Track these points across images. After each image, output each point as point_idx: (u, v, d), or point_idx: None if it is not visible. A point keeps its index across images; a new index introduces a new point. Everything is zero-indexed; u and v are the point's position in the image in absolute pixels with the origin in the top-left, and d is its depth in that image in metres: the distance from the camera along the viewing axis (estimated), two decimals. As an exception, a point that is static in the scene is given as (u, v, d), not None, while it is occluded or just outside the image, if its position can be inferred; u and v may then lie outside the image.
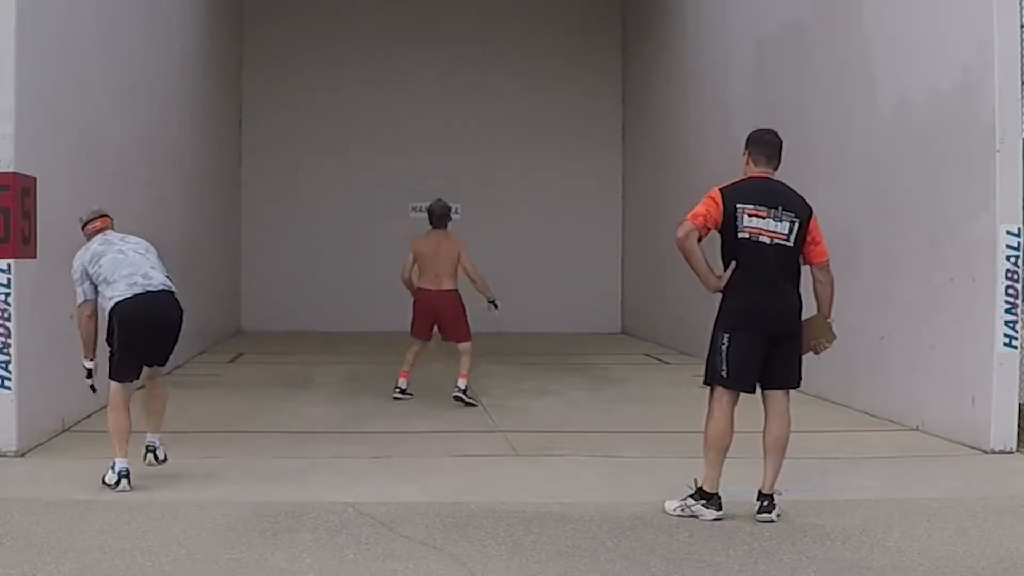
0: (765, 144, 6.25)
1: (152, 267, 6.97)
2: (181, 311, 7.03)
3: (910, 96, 9.20)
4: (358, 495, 6.48)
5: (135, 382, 6.94)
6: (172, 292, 6.99)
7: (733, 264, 6.07)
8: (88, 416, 8.97)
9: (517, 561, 5.27)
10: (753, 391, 6.17)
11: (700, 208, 6.03)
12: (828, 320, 6.29)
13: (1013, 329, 7.92)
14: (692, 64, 15.58)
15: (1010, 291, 7.93)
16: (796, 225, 6.05)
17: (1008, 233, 7.94)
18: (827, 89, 10.80)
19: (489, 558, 5.31)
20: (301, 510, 6.09)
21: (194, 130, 14.35)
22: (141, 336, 6.79)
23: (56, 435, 8.16)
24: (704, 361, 6.24)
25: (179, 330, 7.04)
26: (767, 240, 6.00)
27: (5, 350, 7.37)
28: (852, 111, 10.25)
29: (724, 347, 6.03)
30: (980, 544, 5.67)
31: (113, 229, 7.20)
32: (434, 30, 19.54)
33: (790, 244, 6.05)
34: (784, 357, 6.11)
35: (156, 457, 7.06)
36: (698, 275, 6.04)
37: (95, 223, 7.18)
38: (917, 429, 8.87)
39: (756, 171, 6.21)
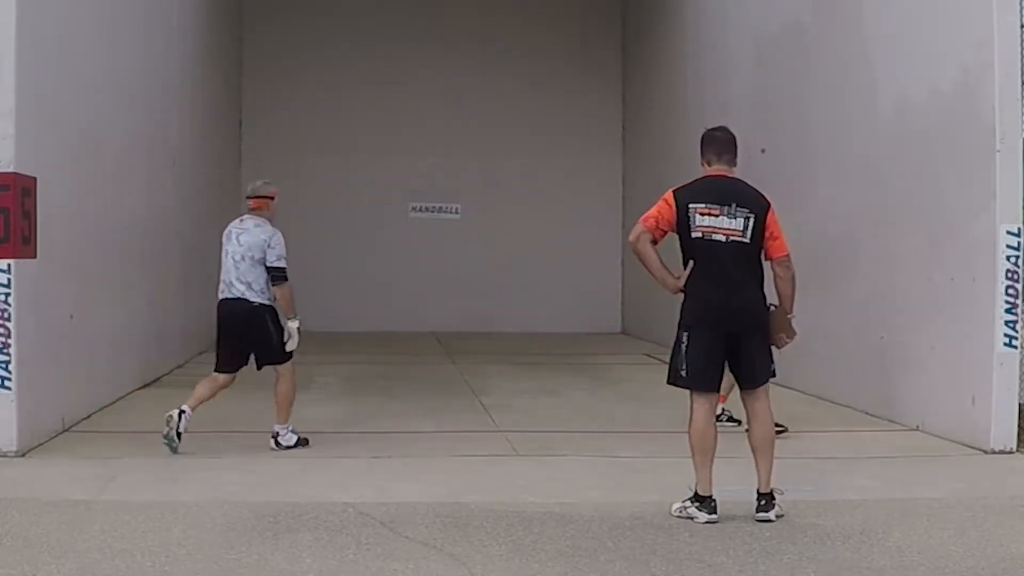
0: (715, 141, 6.26)
1: (237, 277, 7.90)
2: (254, 317, 7.87)
3: (910, 96, 9.20)
4: (358, 495, 6.48)
5: (226, 374, 8.03)
6: (245, 300, 7.86)
7: (691, 264, 6.10)
8: (88, 416, 8.98)
9: (517, 561, 5.27)
10: (716, 391, 6.17)
11: (652, 211, 6.09)
12: (789, 315, 6.22)
13: (1013, 329, 7.91)
14: (692, 64, 15.58)
15: (1010, 291, 7.92)
16: (751, 221, 6.02)
17: (1008, 233, 7.93)
18: (827, 89, 10.80)
19: (489, 558, 5.31)
20: (301, 510, 6.09)
21: (194, 130, 14.35)
22: (220, 336, 8.12)
23: (56, 435, 8.16)
24: (668, 364, 6.25)
25: (250, 335, 7.92)
26: (722, 238, 6.00)
27: (5, 350, 7.37)
28: (852, 111, 10.25)
29: (684, 346, 6.06)
30: (980, 544, 5.66)
31: (265, 211, 8.29)
32: (434, 30, 19.55)
33: (747, 240, 6.02)
34: (750, 355, 6.09)
35: (278, 443, 7.93)
36: (654, 276, 6.12)
37: (249, 202, 8.37)
38: (917, 429, 8.87)
39: (711, 170, 6.22)
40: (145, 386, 11.05)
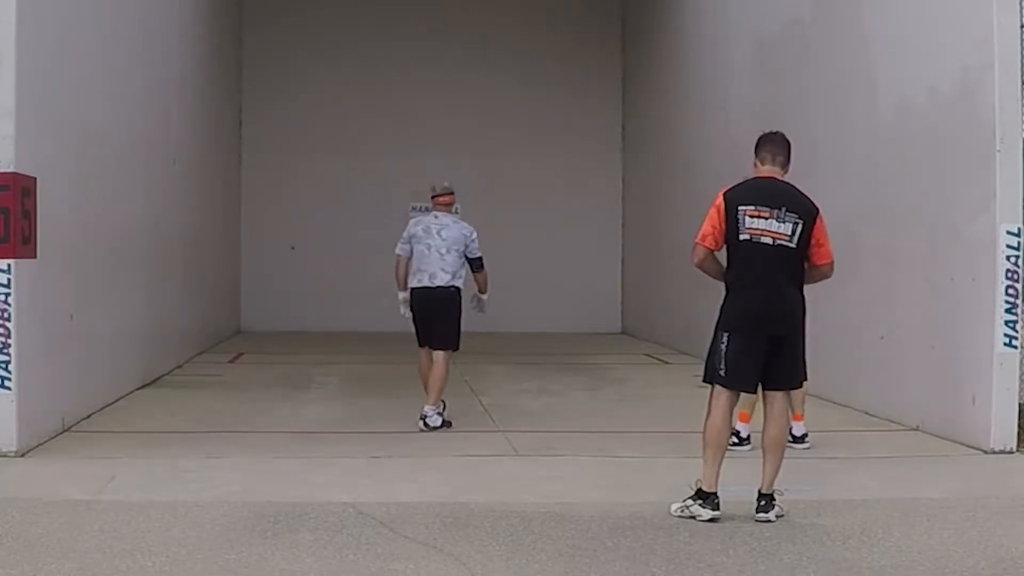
0: (770, 142, 6.31)
1: (442, 268, 8.94)
2: (452, 303, 8.96)
3: (910, 96, 9.20)
4: (358, 495, 6.47)
5: (425, 350, 9.05)
6: (448, 287, 8.92)
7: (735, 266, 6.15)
8: (88, 416, 8.98)
9: (517, 561, 5.27)
10: (753, 391, 6.21)
11: (706, 227, 6.11)
12: None
13: (1013, 329, 7.92)
14: (692, 63, 15.58)
15: (1010, 291, 7.92)
16: (799, 226, 6.05)
17: (1008, 233, 7.93)
18: (827, 89, 10.80)
19: (489, 558, 5.31)
20: (301, 510, 6.09)
21: (194, 130, 14.35)
22: (418, 319, 9.04)
23: (56, 435, 8.15)
24: (704, 360, 6.30)
25: (447, 319, 8.95)
26: (769, 241, 6.02)
27: (5, 350, 7.36)
28: (852, 111, 10.25)
29: (723, 347, 6.06)
30: (980, 544, 5.66)
31: (451, 206, 9.28)
32: (434, 30, 19.54)
33: (792, 245, 6.05)
34: (784, 358, 6.11)
35: (426, 424, 8.68)
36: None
37: (436, 199, 9.25)
38: (917, 429, 8.87)
39: (763, 170, 6.27)
40: (145, 386, 11.06)
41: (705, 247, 6.10)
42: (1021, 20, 8.16)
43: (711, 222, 6.10)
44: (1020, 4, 8.15)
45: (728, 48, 13.83)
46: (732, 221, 6.05)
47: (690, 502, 6.05)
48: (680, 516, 6.04)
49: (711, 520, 5.95)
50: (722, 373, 6.06)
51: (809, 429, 8.14)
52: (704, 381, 6.25)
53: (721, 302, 6.20)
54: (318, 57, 19.29)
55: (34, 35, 7.72)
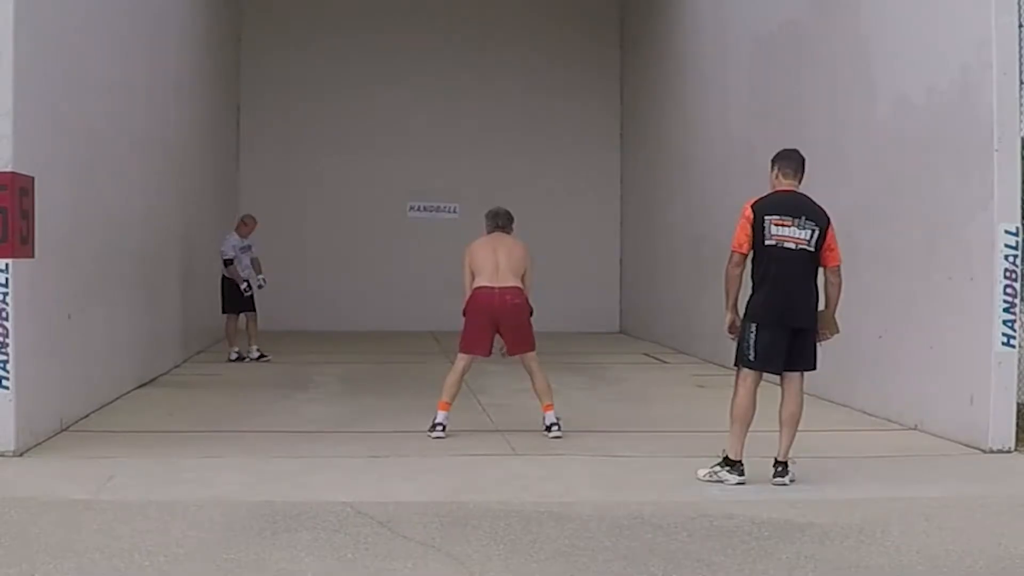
0: (790, 160, 7.01)
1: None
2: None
3: (908, 95, 9.20)
4: (357, 495, 6.47)
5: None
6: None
7: (750, 296, 6.88)
8: (86, 415, 8.98)
9: (516, 560, 5.27)
10: (779, 372, 6.89)
11: (740, 236, 6.85)
12: (834, 316, 7.04)
13: (1011, 328, 7.92)
14: (690, 63, 15.59)
15: (1008, 290, 7.93)
16: (816, 233, 6.83)
17: (1006, 232, 7.94)
18: (825, 88, 10.80)
19: (488, 558, 5.31)
20: (300, 510, 6.09)
21: (193, 130, 14.35)
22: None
23: (54, 435, 8.15)
24: (735, 348, 6.97)
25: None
26: (792, 246, 6.80)
27: (3, 350, 7.36)
28: (850, 110, 10.25)
29: (752, 336, 6.83)
30: (978, 543, 5.67)
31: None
32: (433, 30, 19.56)
33: (811, 249, 6.84)
34: (802, 345, 6.89)
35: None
36: (725, 302, 6.95)
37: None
38: (916, 428, 8.87)
39: (784, 184, 6.97)
40: (143, 385, 11.06)
41: (742, 253, 6.86)
42: (1019, 20, 8.17)
43: (743, 231, 6.82)
44: (1019, 4, 8.15)
45: (726, 48, 13.83)
46: (759, 229, 6.79)
47: (718, 468, 6.81)
48: (708, 480, 6.78)
49: (737, 484, 6.70)
50: (751, 358, 6.84)
51: (808, 429, 8.13)
52: (735, 364, 6.97)
53: (749, 296, 6.89)
54: (316, 57, 19.29)
55: (32, 35, 7.71)
